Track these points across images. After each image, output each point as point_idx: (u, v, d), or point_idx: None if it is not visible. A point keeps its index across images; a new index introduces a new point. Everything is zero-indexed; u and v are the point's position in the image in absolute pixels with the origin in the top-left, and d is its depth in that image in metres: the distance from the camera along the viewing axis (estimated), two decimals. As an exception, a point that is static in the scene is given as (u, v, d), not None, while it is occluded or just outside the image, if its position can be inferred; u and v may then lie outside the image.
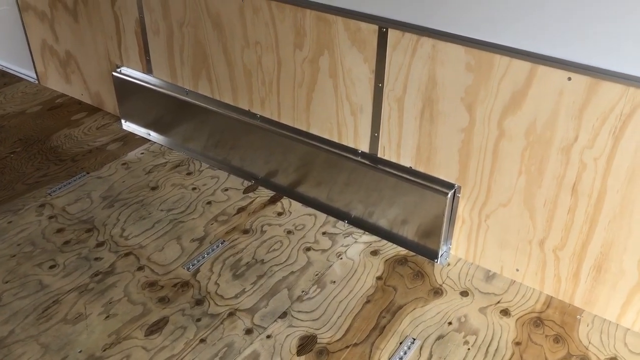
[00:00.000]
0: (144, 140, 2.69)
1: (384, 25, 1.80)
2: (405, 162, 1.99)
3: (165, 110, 2.60)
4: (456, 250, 2.02)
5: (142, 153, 2.60)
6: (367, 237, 2.12)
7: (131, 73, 2.67)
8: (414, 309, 1.83)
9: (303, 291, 1.89)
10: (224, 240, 2.09)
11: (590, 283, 1.77)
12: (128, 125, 2.79)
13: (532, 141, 1.68)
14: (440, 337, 1.73)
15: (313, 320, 1.79)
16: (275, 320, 1.78)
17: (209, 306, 1.83)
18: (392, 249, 2.06)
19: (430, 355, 1.67)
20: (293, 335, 1.74)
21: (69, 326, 1.75)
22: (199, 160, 2.54)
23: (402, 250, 2.06)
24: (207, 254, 2.03)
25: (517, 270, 1.91)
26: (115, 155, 2.58)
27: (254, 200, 2.30)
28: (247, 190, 2.36)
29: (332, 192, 2.20)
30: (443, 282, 1.93)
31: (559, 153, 1.65)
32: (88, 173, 2.46)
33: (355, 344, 1.71)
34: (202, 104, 2.44)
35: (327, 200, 2.23)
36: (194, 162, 2.53)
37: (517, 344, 1.71)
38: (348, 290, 1.89)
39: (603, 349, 1.70)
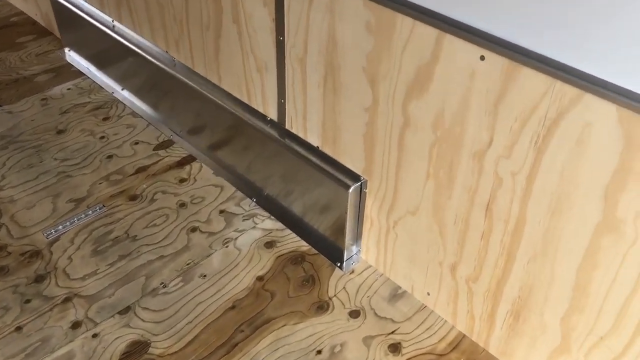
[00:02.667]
0: (77, 74, 2.39)
1: (280, -40, 1.37)
2: (313, 139, 1.58)
3: (99, 44, 2.27)
4: (366, 254, 1.62)
5: (69, 89, 2.31)
6: (270, 224, 1.75)
7: (68, -5, 2.35)
8: (284, 325, 1.47)
9: (162, 283, 1.57)
10: (103, 205, 1.79)
11: (507, 331, 1.33)
12: (70, 55, 2.49)
13: (440, 137, 1.23)
14: (298, 369, 1.37)
15: (156, 322, 1.47)
16: (112, 316, 1.48)
17: (48, 285, 1.55)
18: (292, 242, 1.69)
19: (276, 392, 1.33)
20: (124, 338, 1.43)
21: None
22: (125, 104, 2.22)
23: (304, 246, 1.68)
24: (78, 220, 1.74)
25: (428, 294, 1.49)
26: (39, 88, 2.30)
27: (160, 160, 1.97)
28: (159, 147, 2.02)
29: (254, 163, 1.82)
30: (335, 295, 1.54)
31: (470, 158, 1.20)
32: (1, 106, 2.20)
33: (192, 362, 1.39)
34: (125, 41, 2.09)
35: (245, 171, 1.86)
36: (117, 105, 2.21)
37: (392, 394, 1.33)
38: (216, 289, 1.55)
39: (504, 419, 1.29)
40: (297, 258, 1.64)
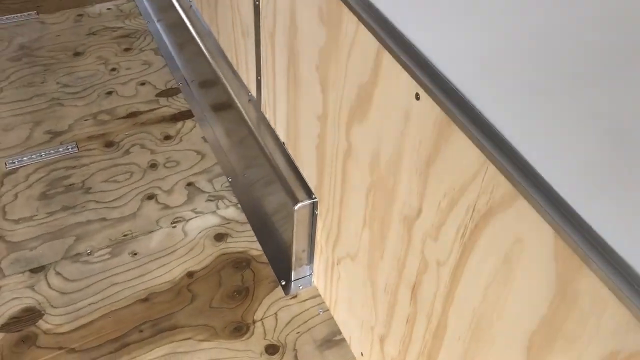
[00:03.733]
0: (124, -5, 2.25)
1: None
2: (280, 133, 1.31)
3: (148, -35, 2.10)
4: (317, 281, 1.36)
5: (109, 9, 2.17)
6: (233, 213, 1.52)
7: None
8: (188, 339, 1.26)
9: (88, 250, 1.41)
10: (76, 145, 1.65)
11: None
12: (129, -28, 2.35)
13: (376, 182, 0.91)
14: (176, 398, 1.17)
15: (61, 292, 1.32)
16: (23, 272, 1.35)
17: (-20, 221, 1.46)
18: (245, 242, 1.45)
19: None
20: (20, 301, 1.30)
21: None
22: (154, 36, 2.04)
23: (256, 250, 1.44)
24: (45, 155, 1.62)
25: (362, 354, 1.21)
26: (81, 2, 2.19)
27: (157, 109, 1.78)
28: (162, 94, 1.83)
29: (241, 139, 1.58)
30: (262, 319, 1.30)
31: (400, 221, 0.87)
32: (38, 14, 2.12)
33: (73, 350, 1.23)
34: (159, -32, 1.90)
35: (232, 145, 1.63)
36: (146, 37, 2.04)
37: None
38: (139, 273, 1.37)
39: None
40: (241, 262, 1.41)
